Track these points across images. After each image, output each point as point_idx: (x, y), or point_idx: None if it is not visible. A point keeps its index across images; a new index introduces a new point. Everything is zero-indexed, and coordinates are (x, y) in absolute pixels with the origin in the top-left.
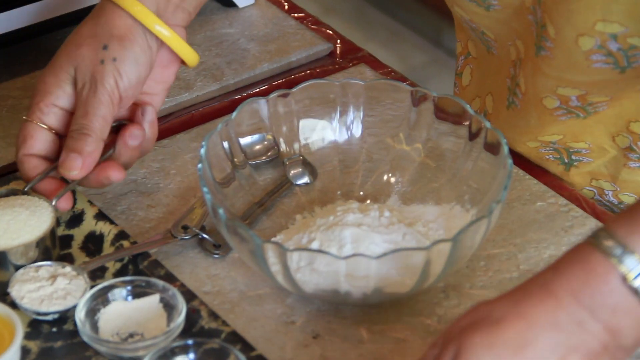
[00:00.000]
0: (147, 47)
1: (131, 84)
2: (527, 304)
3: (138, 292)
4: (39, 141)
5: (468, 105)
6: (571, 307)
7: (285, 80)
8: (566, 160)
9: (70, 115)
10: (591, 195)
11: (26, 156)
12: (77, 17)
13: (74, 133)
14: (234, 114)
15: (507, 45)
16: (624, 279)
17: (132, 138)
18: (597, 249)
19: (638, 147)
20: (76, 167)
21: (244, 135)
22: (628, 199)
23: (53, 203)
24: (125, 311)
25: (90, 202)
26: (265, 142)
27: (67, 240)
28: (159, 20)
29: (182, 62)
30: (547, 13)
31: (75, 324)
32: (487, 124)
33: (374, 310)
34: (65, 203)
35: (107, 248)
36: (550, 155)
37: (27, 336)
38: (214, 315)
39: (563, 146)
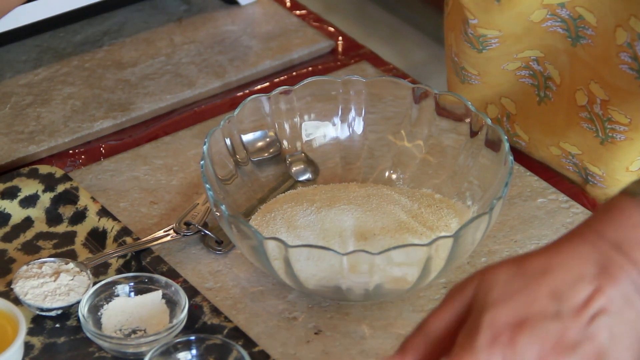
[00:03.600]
0: None
1: None
2: (552, 245)
3: (141, 288)
4: None
5: (469, 102)
6: (597, 242)
7: (287, 77)
8: (584, 176)
9: None
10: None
11: None
12: (79, 15)
13: None
14: (236, 111)
15: (498, 70)
16: None
17: None
18: (623, 194)
19: None
20: None
21: (246, 132)
22: None
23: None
24: (128, 307)
25: (93, 199)
26: (268, 139)
27: (70, 237)
28: None
29: None
30: (585, 3)
31: (78, 320)
32: (488, 121)
33: (376, 306)
34: None
35: (110, 244)
36: (570, 167)
37: (31, 332)
38: (216, 311)
39: (580, 163)
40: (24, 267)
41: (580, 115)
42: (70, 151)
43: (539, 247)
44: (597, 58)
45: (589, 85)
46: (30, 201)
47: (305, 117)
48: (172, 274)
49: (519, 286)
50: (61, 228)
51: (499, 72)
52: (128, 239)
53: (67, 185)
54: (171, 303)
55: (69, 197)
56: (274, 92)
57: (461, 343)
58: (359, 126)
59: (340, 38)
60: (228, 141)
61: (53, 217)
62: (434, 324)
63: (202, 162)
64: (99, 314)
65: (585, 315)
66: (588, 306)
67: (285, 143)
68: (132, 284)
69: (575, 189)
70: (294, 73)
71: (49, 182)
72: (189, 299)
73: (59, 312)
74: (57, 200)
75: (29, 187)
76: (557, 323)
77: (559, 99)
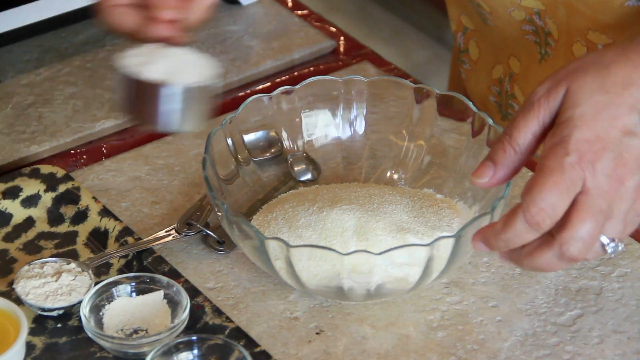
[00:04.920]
0: None
1: None
2: (635, 50)
3: (142, 288)
4: None
5: (471, 102)
6: None
7: (288, 77)
8: None
9: None
10: None
11: (113, 6)
12: (81, 15)
13: None
14: (238, 110)
15: (506, 14)
16: None
17: None
18: None
19: None
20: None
21: (247, 132)
22: None
23: None
24: (130, 307)
25: (95, 199)
26: (269, 139)
27: (71, 237)
28: None
29: None
30: None
31: (79, 320)
32: (490, 121)
33: (377, 306)
34: None
35: (112, 244)
36: None
37: (32, 332)
38: (217, 311)
39: None
40: (26, 267)
41: None
42: (72, 151)
43: (620, 54)
44: (594, 7)
45: (587, 35)
46: (31, 201)
47: (307, 117)
48: (174, 274)
49: (603, 102)
50: (63, 228)
51: (507, 18)
52: (129, 239)
53: (69, 185)
54: (173, 303)
55: (71, 197)
56: (275, 92)
57: (551, 163)
58: (360, 126)
59: (341, 38)
60: (230, 141)
61: (55, 217)
62: (522, 135)
63: (203, 162)
64: (101, 314)
65: None
66: None
67: (286, 143)
68: (133, 284)
69: None
70: (296, 73)
71: (51, 182)
72: (191, 299)
73: (61, 312)
74: (59, 200)
75: (30, 187)
76: (633, 139)
77: (556, 54)
